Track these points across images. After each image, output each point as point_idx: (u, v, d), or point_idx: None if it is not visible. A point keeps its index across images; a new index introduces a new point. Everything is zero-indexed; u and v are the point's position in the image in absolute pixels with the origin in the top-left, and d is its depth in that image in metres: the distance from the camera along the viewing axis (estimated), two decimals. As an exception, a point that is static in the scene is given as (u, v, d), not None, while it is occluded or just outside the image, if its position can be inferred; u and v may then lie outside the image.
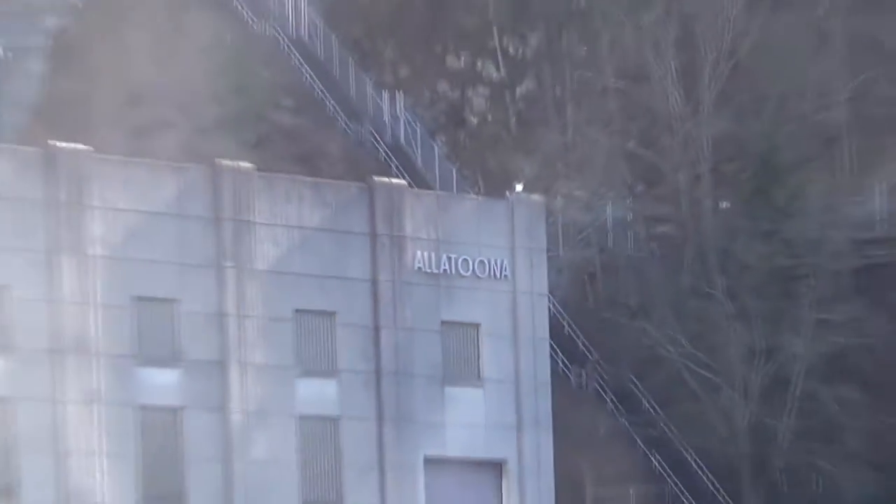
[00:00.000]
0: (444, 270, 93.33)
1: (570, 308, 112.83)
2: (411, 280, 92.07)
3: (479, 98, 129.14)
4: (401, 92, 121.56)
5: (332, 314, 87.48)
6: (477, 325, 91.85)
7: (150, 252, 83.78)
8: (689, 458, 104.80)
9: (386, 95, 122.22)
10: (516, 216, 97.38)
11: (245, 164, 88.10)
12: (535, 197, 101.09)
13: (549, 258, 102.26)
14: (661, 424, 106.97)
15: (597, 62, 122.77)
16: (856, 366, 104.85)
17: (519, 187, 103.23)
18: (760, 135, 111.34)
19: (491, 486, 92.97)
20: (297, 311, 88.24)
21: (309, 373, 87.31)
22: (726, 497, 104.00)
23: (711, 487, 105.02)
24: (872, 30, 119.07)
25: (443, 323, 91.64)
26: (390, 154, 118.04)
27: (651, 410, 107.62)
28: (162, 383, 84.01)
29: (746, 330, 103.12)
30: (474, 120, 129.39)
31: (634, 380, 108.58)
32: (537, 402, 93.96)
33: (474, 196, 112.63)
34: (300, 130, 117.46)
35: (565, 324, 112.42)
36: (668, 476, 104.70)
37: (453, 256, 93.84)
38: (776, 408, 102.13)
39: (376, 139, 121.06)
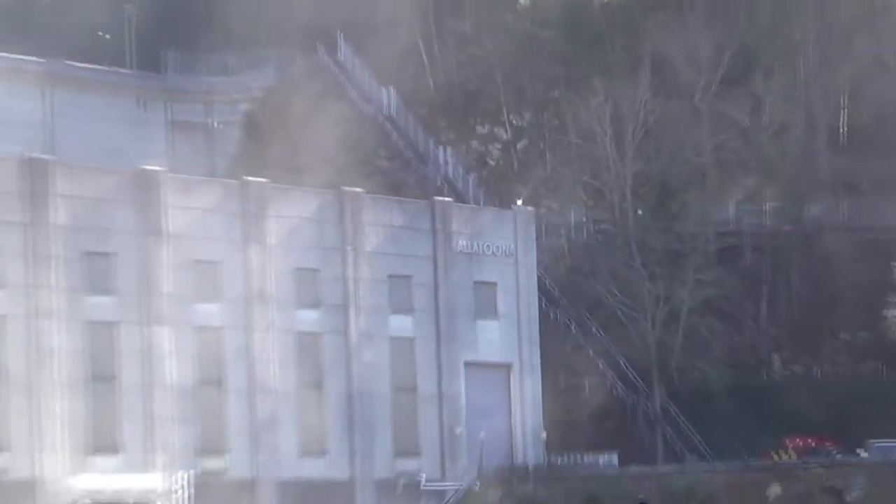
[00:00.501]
0: (475, 251, 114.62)
1: (550, 273, 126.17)
2: (455, 257, 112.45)
3: (495, 150, 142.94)
4: (449, 147, 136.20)
5: (409, 277, 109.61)
6: (495, 284, 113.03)
7: (303, 240, 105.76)
8: (621, 363, 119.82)
9: (441, 149, 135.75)
10: (518, 219, 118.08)
11: (358, 190, 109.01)
12: (529, 208, 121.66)
13: (536, 244, 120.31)
14: (604, 343, 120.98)
15: (565, 128, 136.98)
16: (717, 306, 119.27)
17: (519, 202, 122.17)
18: (660, 171, 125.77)
19: (503, 379, 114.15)
20: (389, 275, 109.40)
21: (396, 311, 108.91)
22: (643, 386, 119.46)
23: (633, 379, 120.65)
24: (727, 108, 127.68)
25: (475, 282, 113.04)
26: (444, 184, 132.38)
27: (598, 333, 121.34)
28: (310, 319, 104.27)
29: (654, 286, 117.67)
30: (492, 163, 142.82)
31: (588, 316, 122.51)
32: (530, 329, 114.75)
33: (493, 208, 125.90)
34: (391, 170, 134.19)
35: (546, 283, 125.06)
36: (608, 372, 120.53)
37: (481, 243, 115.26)
38: (671, 332, 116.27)
39: (435, 175, 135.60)
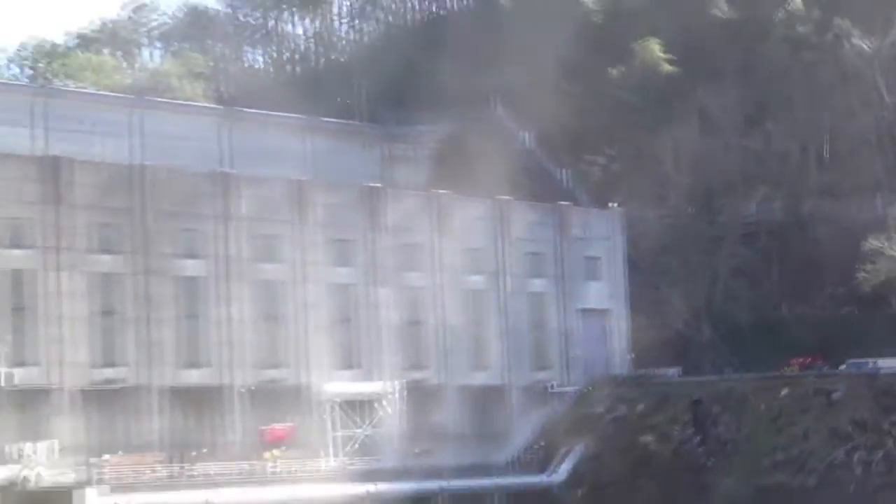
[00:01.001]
0: (585, 237, 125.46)
1: (635, 250, 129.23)
2: (572, 241, 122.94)
3: (597, 170, 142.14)
4: (567, 169, 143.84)
5: (542, 254, 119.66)
6: (599, 258, 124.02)
7: (473, 230, 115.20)
8: (682, 308, 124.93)
9: (561, 170, 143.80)
10: (612, 216, 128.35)
11: (508, 197, 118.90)
12: (619, 208, 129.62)
13: (625, 232, 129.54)
14: (671, 295, 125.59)
15: (641, 155, 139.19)
16: (744, 271, 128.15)
17: (613, 204, 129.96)
18: (705, 183, 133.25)
19: (604, 320, 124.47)
20: (529, 253, 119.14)
21: (533, 276, 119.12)
22: (696, 323, 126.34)
23: (690, 319, 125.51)
24: (748, 141, 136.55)
25: (585, 257, 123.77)
26: (564, 193, 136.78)
27: (666, 289, 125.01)
28: (478, 281, 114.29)
29: (702, 258, 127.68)
30: (595, 179, 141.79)
31: (660, 277, 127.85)
32: (622, 287, 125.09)
33: (595, 209, 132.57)
34: (529, 184, 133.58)
35: (633, 257, 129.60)
36: (673, 315, 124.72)
37: (588, 231, 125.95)
38: (714, 288, 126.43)
39: (558, 187, 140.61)
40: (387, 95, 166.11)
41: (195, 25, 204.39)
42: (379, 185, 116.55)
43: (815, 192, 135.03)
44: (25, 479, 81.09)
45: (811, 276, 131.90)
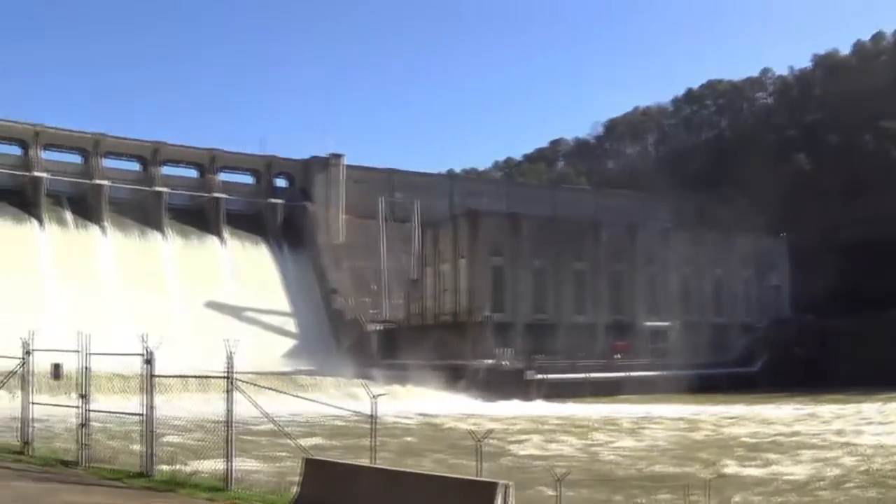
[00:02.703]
0: (759, 259, 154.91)
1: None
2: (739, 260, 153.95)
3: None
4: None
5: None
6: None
7: (730, 258, 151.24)
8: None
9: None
10: (779, 243, 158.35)
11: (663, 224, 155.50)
12: (783, 236, 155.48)
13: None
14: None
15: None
16: None
17: (783, 236, 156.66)
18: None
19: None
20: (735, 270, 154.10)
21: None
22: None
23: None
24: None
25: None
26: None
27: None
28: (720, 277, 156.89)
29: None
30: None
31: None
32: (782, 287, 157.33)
33: (769, 237, 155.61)
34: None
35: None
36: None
37: (764, 252, 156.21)
38: None
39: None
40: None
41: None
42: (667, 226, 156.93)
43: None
44: (502, 364, 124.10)
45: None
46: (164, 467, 30.37)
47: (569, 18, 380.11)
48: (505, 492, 18.62)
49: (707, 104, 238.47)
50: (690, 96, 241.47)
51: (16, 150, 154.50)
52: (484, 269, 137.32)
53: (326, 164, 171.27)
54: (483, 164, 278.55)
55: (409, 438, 68.15)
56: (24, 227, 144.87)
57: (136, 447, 31.47)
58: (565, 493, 22.88)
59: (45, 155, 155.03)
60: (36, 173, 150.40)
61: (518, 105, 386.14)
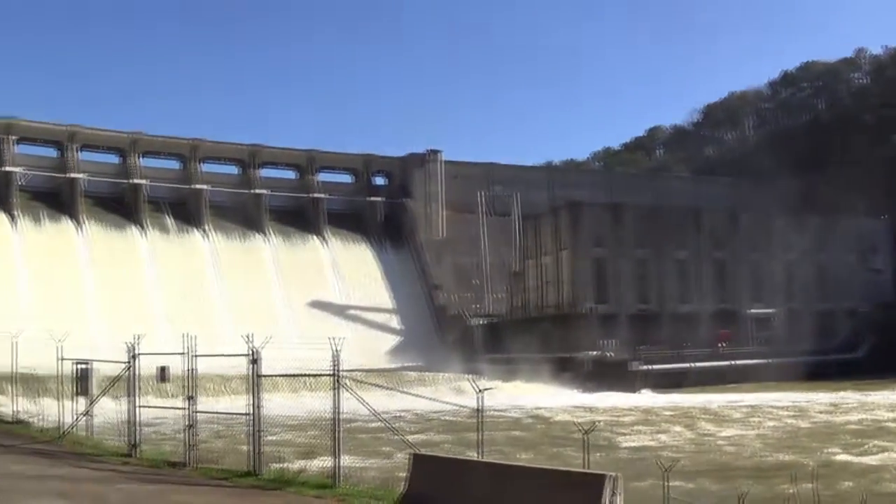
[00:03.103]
0: (862, 242, 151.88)
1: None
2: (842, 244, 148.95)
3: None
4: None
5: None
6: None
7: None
8: None
9: None
10: (881, 225, 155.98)
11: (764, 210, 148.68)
12: (884, 218, 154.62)
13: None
14: None
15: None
16: None
17: (885, 218, 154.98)
18: None
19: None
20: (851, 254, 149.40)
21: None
22: None
23: None
24: None
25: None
26: None
27: None
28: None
29: None
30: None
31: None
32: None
33: (871, 220, 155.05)
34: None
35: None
36: None
37: (866, 235, 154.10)
38: None
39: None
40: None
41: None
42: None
43: None
44: (606, 355, 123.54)
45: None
46: (272, 466, 30.45)
47: (661, 7, 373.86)
48: (613, 483, 18.55)
49: (803, 86, 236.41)
50: (786, 79, 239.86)
51: (114, 159, 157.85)
52: (586, 261, 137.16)
53: (424, 160, 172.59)
54: (581, 154, 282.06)
55: (515, 432, 67.79)
56: (126, 234, 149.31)
57: (244, 447, 31.59)
58: (672, 484, 22.36)
59: (144, 162, 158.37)
60: (135, 180, 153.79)
61: (614, 94, 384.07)
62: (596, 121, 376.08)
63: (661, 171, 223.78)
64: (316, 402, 32.48)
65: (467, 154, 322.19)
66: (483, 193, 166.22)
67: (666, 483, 22.40)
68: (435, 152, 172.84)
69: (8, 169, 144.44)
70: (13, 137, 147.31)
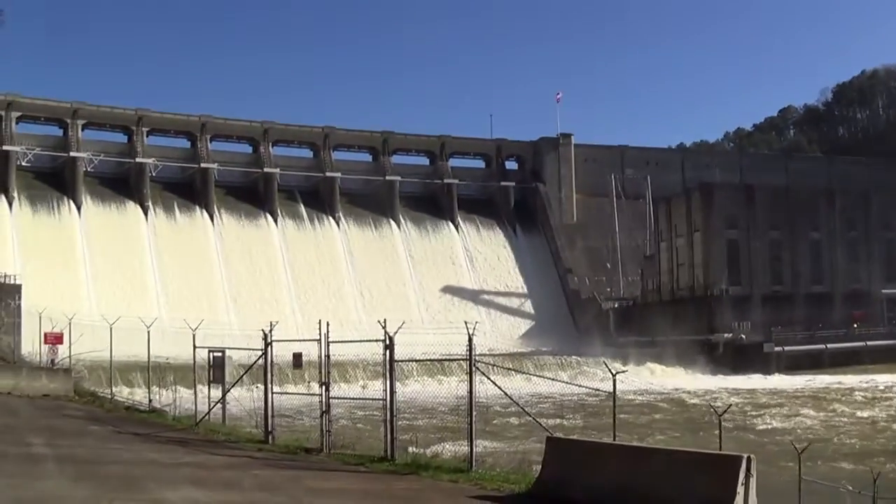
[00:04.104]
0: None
1: None
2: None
3: None
4: None
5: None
6: None
7: None
8: None
9: None
10: None
11: None
12: None
13: None
14: None
15: None
16: None
17: None
18: None
19: None
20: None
21: None
22: None
23: None
24: None
25: None
26: None
27: None
28: None
29: None
30: None
31: None
32: None
33: None
34: None
35: None
36: None
37: None
38: None
39: None
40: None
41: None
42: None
43: None
44: (740, 337, 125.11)
45: None
46: (407, 450, 30.12)
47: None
48: (748, 464, 18.55)
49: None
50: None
51: (246, 149, 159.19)
52: (719, 242, 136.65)
53: (556, 144, 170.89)
54: (713, 135, 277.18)
55: (649, 414, 67.73)
56: (258, 223, 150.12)
57: (378, 432, 31.30)
58: (806, 465, 22.28)
59: (275, 151, 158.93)
60: (267, 169, 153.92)
61: (746, 74, 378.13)
62: (728, 101, 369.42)
63: (793, 151, 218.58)
64: (449, 388, 32.39)
65: (595, 137, 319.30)
66: (615, 176, 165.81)
67: (799, 465, 21.98)
68: (567, 136, 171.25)
69: (140, 160, 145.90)
70: (144, 129, 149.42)
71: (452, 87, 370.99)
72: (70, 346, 61.08)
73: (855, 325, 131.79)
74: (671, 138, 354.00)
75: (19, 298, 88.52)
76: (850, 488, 24.63)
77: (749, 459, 18.65)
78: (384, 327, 29.62)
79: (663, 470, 20.33)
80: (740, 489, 18.52)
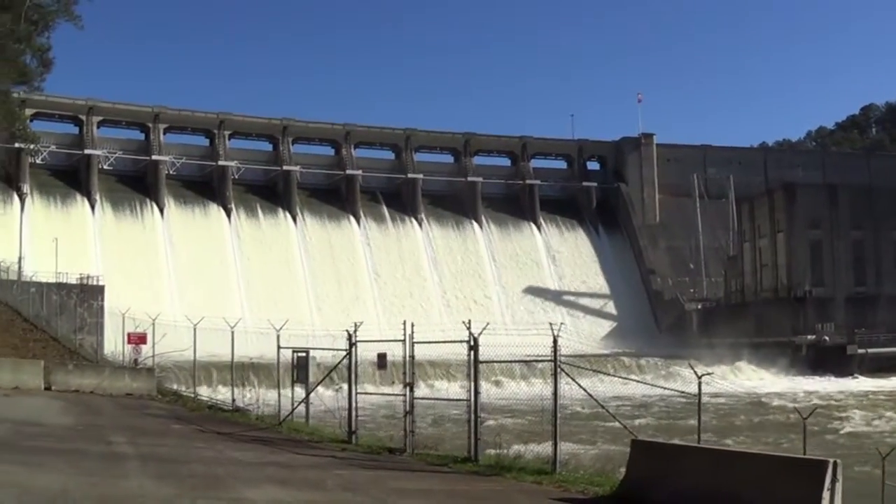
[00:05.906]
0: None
1: None
2: None
3: None
4: None
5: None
6: None
7: None
8: None
9: None
10: None
11: None
12: None
13: None
14: None
15: None
16: None
17: None
18: None
19: None
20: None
21: None
22: None
23: None
24: None
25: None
26: None
27: None
28: None
29: None
30: None
31: None
32: None
33: None
34: None
35: None
36: None
37: None
38: None
39: None
40: None
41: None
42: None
43: None
44: (824, 339, 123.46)
45: None
46: (490, 451, 30.07)
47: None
48: (834, 469, 18.45)
49: None
50: None
51: (328, 151, 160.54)
52: (802, 243, 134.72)
53: (638, 144, 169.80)
54: (795, 134, 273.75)
55: (734, 417, 66.94)
56: (341, 224, 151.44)
57: (462, 432, 31.27)
58: (890, 470, 22.10)
59: (357, 153, 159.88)
60: (350, 171, 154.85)
61: (828, 72, 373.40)
62: (810, 99, 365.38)
63: (876, 149, 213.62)
64: (532, 389, 32.13)
65: (675, 136, 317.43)
66: (698, 176, 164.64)
67: (883, 468, 22.01)
68: (649, 136, 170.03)
69: (223, 163, 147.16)
70: (226, 132, 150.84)
71: (534, 89, 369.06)
72: (153, 346, 62.15)
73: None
74: (753, 137, 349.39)
75: (102, 299, 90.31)
76: (937, 493, 23.88)
77: (835, 464, 18.53)
78: (468, 328, 29.71)
79: (748, 474, 20.23)
80: (826, 494, 18.36)
